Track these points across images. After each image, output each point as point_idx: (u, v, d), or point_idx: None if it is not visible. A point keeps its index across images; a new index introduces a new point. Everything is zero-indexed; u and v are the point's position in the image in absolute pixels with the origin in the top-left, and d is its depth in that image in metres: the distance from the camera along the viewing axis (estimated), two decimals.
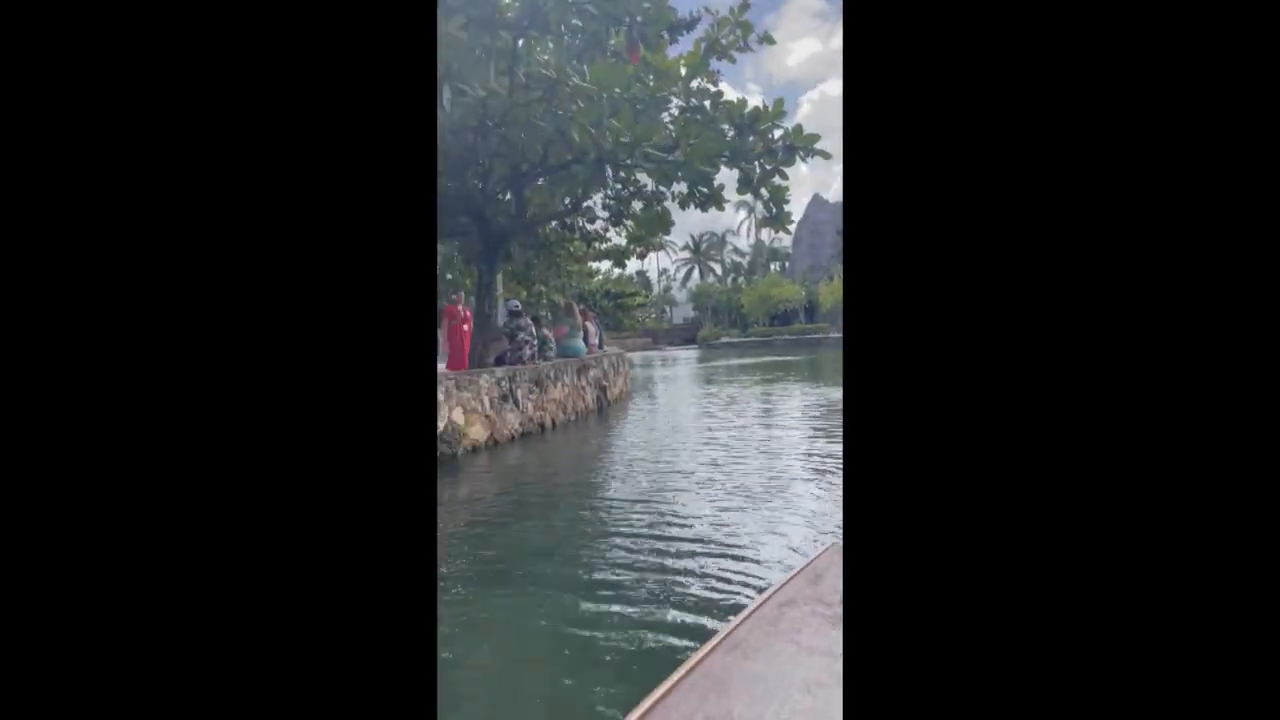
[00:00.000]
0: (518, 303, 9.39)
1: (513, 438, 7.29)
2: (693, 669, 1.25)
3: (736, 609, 2.56)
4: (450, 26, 5.87)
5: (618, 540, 3.63)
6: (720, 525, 3.83)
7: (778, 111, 7.38)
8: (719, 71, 8.15)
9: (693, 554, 3.36)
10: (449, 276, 14.56)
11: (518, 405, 7.54)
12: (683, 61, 7.72)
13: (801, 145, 7.38)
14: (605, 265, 19.92)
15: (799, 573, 1.69)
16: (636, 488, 4.92)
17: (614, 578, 3.07)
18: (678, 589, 2.91)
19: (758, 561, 3.22)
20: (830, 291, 38.11)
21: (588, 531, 3.91)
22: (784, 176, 7.56)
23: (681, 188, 8.03)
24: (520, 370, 7.82)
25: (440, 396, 6.13)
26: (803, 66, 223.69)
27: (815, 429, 7.41)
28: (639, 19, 6.73)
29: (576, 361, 9.57)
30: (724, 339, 41.29)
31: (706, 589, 2.91)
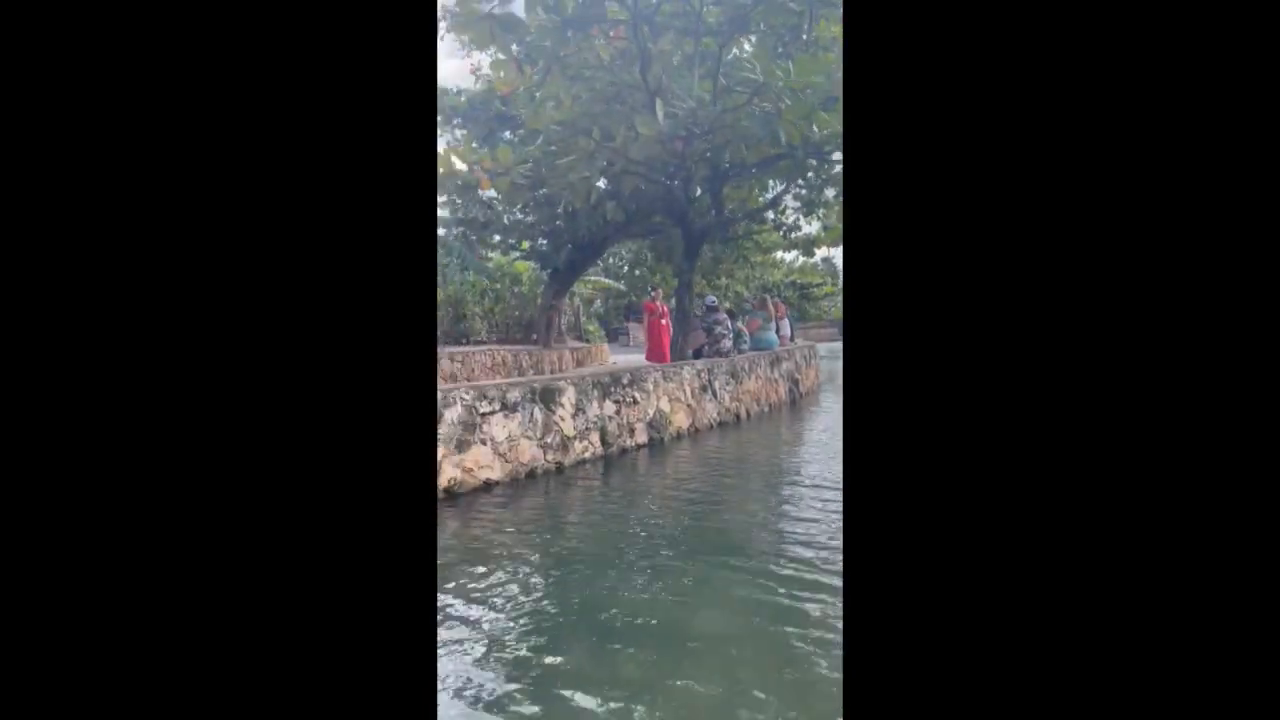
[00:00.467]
0: (714, 298, 9.74)
1: (711, 426, 7.65)
2: None
3: None
4: (662, 43, 6.28)
5: (816, 521, 3.77)
6: None
7: None
8: None
9: None
10: (636, 273, 15.35)
11: (715, 396, 7.89)
12: None
13: None
14: (791, 255, 19.60)
15: None
16: (832, 472, 4.99)
17: (807, 555, 3.23)
18: None
19: None
20: None
21: (789, 513, 4.10)
22: None
23: None
24: (718, 363, 8.16)
25: (649, 387, 6.66)
26: None
27: None
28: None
29: (770, 354, 9.69)
30: None
31: None
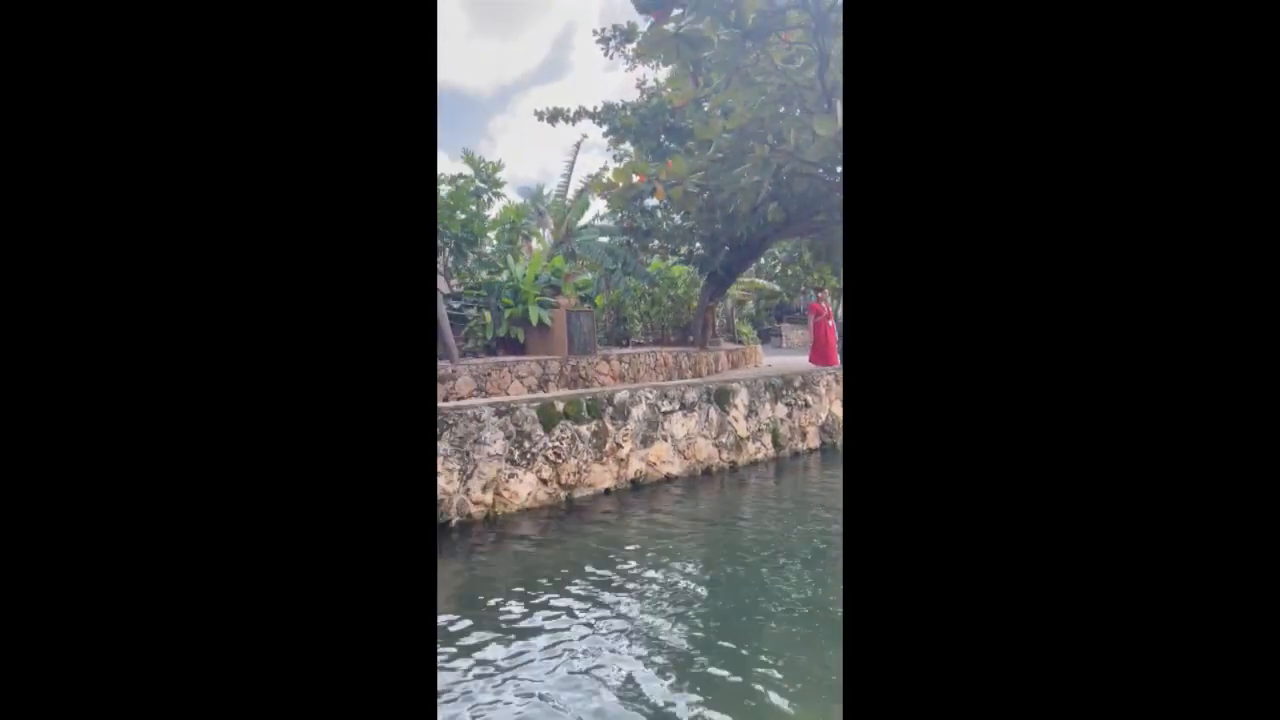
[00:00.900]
0: None
1: None
2: None
3: None
4: (838, 43, 6.22)
5: None
6: None
7: None
8: None
9: None
10: (789, 272, 15.07)
11: None
12: None
13: None
14: None
15: None
16: None
17: None
18: None
19: None
20: None
21: None
22: None
23: None
24: None
25: (821, 390, 6.61)
26: None
27: None
28: None
29: None
30: None
31: None
